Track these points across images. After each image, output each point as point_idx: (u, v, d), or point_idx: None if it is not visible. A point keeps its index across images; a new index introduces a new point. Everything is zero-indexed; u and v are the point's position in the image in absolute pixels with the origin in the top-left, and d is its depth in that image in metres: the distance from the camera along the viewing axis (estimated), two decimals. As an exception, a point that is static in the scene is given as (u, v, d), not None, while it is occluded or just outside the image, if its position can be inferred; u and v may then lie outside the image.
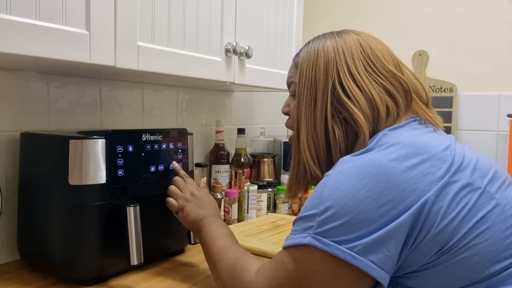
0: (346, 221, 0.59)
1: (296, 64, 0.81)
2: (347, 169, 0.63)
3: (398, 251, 0.60)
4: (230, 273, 0.74)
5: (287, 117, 0.85)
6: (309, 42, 0.81)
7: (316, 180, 0.74)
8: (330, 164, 0.70)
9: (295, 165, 0.79)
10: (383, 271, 0.59)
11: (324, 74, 0.74)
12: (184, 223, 0.94)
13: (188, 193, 0.95)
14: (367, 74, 0.73)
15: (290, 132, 0.85)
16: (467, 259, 0.60)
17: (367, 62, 0.74)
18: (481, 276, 0.60)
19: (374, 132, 0.71)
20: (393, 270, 0.62)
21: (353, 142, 0.72)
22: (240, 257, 0.76)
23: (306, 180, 0.79)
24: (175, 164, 1.01)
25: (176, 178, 0.99)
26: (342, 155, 0.69)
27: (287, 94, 0.86)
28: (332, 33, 0.79)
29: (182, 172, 1.01)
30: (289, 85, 0.84)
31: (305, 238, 0.62)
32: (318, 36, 0.80)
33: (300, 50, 0.82)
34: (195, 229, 0.91)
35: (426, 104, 0.77)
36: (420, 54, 1.95)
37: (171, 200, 0.96)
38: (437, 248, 0.60)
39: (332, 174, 0.65)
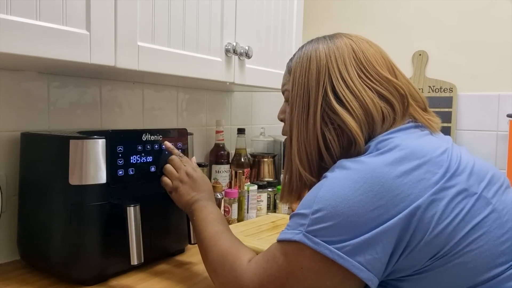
0: (337, 222, 0.60)
1: (289, 70, 0.80)
2: (344, 172, 0.64)
3: (387, 254, 0.60)
4: (221, 260, 0.75)
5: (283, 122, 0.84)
6: (302, 46, 0.80)
7: (310, 185, 0.73)
8: (323, 171, 0.70)
9: (288, 173, 0.79)
10: (370, 273, 0.60)
11: (316, 81, 0.73)
12: (178, 203, 0.95)
13: (184, 174, 0.95)
14: (359, 80, 0.71)
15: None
16: (462, 264, 0.60)
17: (360, 68, 0.72)
18: (475, 282, 0.60)
19: (370, 137, 0.71)
20: (383, 273, 0.62)
21: (348, 148, 0.71)
22: (232, 245, 0.77)
23: (299, 188, 0.78)
24: (168, 144, 0.99)
25: (173, 157, 0.98)
26: (335, 162, 0.69)
27: (287, 94, 0.86)
28: (324, 37, 0.79)
29: (176, 151, 1.00)
30: (283, 92, 0.83)
31: (297, 235, 0.63)
32: (311, 40, 0.79)
33: (294, 55, 0.81)
34: (187, 211, 0.93)
35: (423, 109, 0.77)
36: (420, 54, 1.95)
37: (165, 179, 0.96)
38: (431, 254, 0.60)
39: (329, 176, 0.66)
